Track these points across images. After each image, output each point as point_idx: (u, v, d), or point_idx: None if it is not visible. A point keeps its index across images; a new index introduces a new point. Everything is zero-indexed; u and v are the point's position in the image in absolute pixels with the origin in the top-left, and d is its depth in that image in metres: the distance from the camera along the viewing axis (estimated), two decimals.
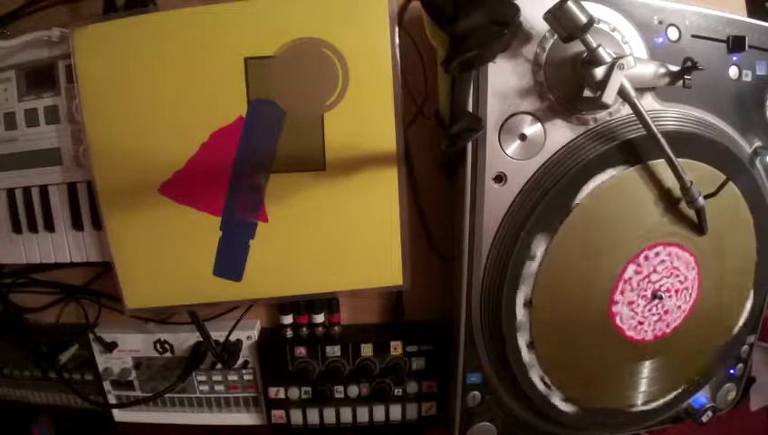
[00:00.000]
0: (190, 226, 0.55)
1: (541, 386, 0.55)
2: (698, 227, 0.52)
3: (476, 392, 0.56)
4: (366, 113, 0.53)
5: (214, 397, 0.65)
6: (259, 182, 0.54)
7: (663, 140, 0.45)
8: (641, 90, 0.48)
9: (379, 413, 0.63)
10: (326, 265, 0.57)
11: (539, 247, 0.49)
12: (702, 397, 0.63)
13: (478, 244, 0.50)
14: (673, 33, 0.49)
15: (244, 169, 0.54)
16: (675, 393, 0.61)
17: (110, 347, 0.62)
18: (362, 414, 0.63)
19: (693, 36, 0.50)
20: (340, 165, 0.53)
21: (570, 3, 0.39)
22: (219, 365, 0.60)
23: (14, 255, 0.59)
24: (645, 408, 0.60)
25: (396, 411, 0.63)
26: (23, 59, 0.55)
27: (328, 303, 0.60)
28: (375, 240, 0.56)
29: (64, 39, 0.52)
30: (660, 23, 0.49)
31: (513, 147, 0.48)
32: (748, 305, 0.59)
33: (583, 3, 0.40)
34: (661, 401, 0.60)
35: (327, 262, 0.56)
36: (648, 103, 0.50)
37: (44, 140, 0.56)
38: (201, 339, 0.60)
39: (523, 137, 0.48)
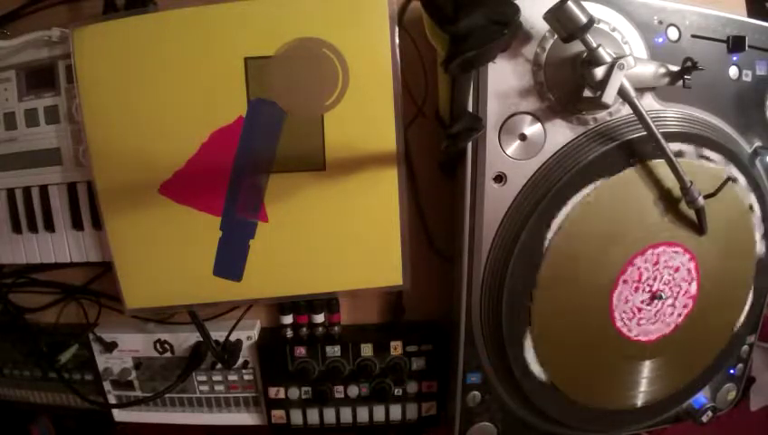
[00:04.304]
0: (190, 226, 0.55)
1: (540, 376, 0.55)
2: (698, 227, 0.52)
3: (476, 392, 0.56)
4: (366, 113, 0.53)
5: (214, 397, 0.64)
6: (259, 182, 0.54)
7: (663, 140, 0.45)
8: (641, 90, 0.48)
9: (379, 413, 0.63)
10: (326, 265, 0.57)
11: (539, 248, 0.49)
12: (702, 397, 0.63)
13: (478, 244, 0.50)
14: (673, 33, 0.49)
15: (244, 169, 0.54)
16: (675, 393, 0.61)
17: (110, 347, 0.61)
18: (362, 414, 0.63)
19: (693, 36, 0.50)
20: (340, 165, 0.53)
21: (570, 3, 0.39)
22: (219, 365, 0.60)
23: (14, 255, 0.59)
24: (645, 408, 0.60)
25: (396, 411, 0.63)
26: (23, 59, 0.55)
27: (328, 303, 0.60)
28: (375, 240, 0.56)
29: (64, 39, 0.52)
30: (660, 23, 0.49)
31: (513, 147, 0.48)
32: (748, 305, 0.59)
33: (583, 3, 0.40)
34: (661, 401, 0.60)
35: (327, 262, 0.56)
36: (648, 103, 0.50)
37: (44, 140, 0.56)
38: (201, 339, 0.60)
39: (523, 137, 0.48)
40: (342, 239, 0.56)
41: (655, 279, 0.54)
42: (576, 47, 0.44)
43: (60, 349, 0.61)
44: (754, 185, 0.54)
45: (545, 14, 0.41)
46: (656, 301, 0.54)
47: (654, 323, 0.55)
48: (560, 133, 0.49)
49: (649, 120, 0.45)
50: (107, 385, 0.64)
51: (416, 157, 0.57)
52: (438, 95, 0.52)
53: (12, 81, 0.55)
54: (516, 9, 0.36)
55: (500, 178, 0.48)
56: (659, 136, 0.45)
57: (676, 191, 0.50)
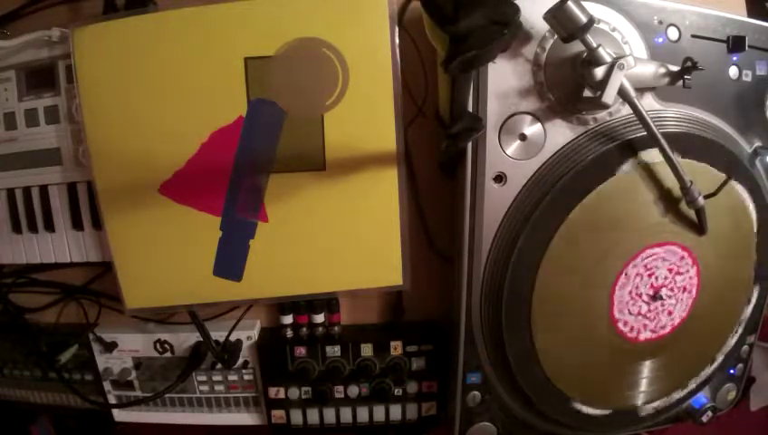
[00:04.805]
0: (190, 226, 0.55)
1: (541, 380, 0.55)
2: (698, 227, 0.52)
3: (476, 392, 0.56)
4: (366, 113, 0.53)
5: (214, 397, 0.64)
6: (259, 182, 0.54)
7: (663, 141, 0.45)
8: (641, 90, 0.48)
9: (379, 413, 0.63)
10: (326, 265, 0.57)
11: (539, 248, 0.49)
12: (702, 397, 0.63)
13: (478, 244, 0.50)
14: (673, 33, 0.49)
15: (244, 169, 0.54)
16: (675, 393, 0.61)
17: (110, 347, 0.61)
18: (362, 414, 0.63)
19: (693, 36, 0.50)
20: (340, 165, 0.53)
21: (570, 3, 0.39)
22: (219, 365, 0.60)
23: (14, 255, 0.59)
24: (645, 407, 0.60)
25: (396, 411, 0.63)
26: (23, 59, 0.55)
27: (328, 303, 0.60)
28: (375, 240, 0.56)
29: (64, 39, 0.52)
30: (660, 23, 0.49)
31: (513, 147, 0.48)
32: (748, 305, 0.59)
33: (583, 3, 0.40)
34: (661, 401, 0.60)
35: (327, 262, 0.56)
36: (648, 103, 0.50)
37: (44, 140, 0.56)
38: (201, 339, 0.60)
39: (523, 137, 0.48)
40: (342, 239, 0.56)
41: (655, 279, 0.54)
42: (576, 47, 0.44)
43: (60, 349, 0.61)
44: (754, 185, 0.54)
45: (545, 14, 0.41)
46: (656, 301, 0.54)
47: (654, 322, 0.55)
48: (560, 133, 0.49)
49: (649, 120, 0.45)
50: (107, 385, 0.64)
51: (416, 157, 0.57)
52: (438, 95, 0.52)
53: (12, 81, 0.55)
54: (516, 9, 0.36)
55: (500, 178, 0.48)
56: (659, 136, 0.45)
57: (676, 191, 0.50)
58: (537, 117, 0.48)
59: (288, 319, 0.60)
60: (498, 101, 0.47)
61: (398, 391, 0.62)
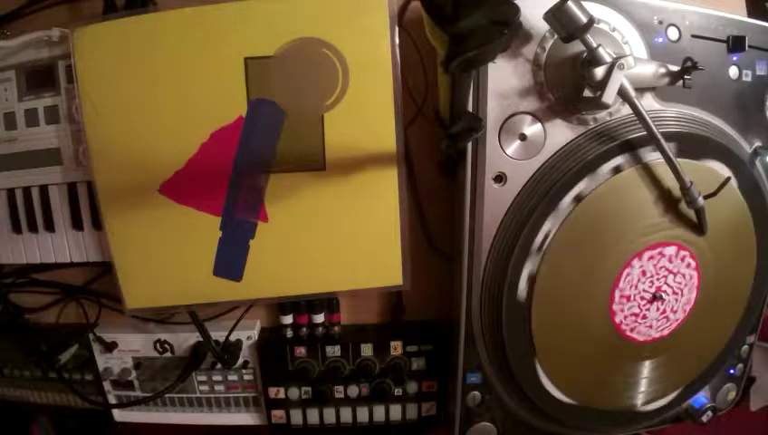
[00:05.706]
0: (190, 226, 0.55)
1: (541, 380, 0.55)
2: (698, 227, 0.52)
3: (476, 392, 0.56)
4: (366, 113, 0.53)
5: (214, 397, 0.65)
6: (259, 182, 0.54)
7: (663, 140, 0.45)
8: (641, 90, 0.48)
9: (379, 413, 0.63)
10: (326, 265, 0.57)
11: (539, 248, 0.49)
12: (702, 397, 0.63)
13: (478, 244, 0.50)
14: (673, 33, 0.49)
15: (244, 169, 0.54)
16: (675, 393, 0.61)
17: (110, 347, 0.62)
18: (362, 414, 0.63)
19: (693, 36, 0.50)
20: (340, 165, 0.53)
21: (570, 3, 0.39)
22: (219, 365, 0.60)
23: (14, 255, 0.59)
24: (645, 408, 0.60)
25: (396, 411, 0.63)
26: (23, 59, 0.55)
27: (328, 303, 0.60)
28: (375, 240, 0.56)
29: (64, 39, 0.52)
30: (660, 23, 0.49)
31: (513, 147, 0.48)
32: (748, 305, 0.59)
33: (583, 3, 0.40)
34: (661, 401, 0.60)
35: (327, 262, 0.56)
36: (648, 103, 0.50)
37: (44, 140, 0.56)
38: (201, 339, 0.60)
39: (523, 137, 0.48)
40: (342, 239, 0.56)
41: (655, 279, 0.54)
42: (576, 47, 0.44)
43: (60, 349, 0.61)
44: (754, 185, 0.54)
45: (545, 14, 0.41)
46: (656, 301, 0.54)
47: (654, 322, 0.55)
48: (560, 133, 0.49)
49: (649, 121, 0.45)
50: (107, 385, 0.64)
51: (416, 157, 0.57)
52: (438, 95, 0.52)
53: (12, 81, 0.55)
54: (516, 9, 0.36)
55: (500, 178, 0.48)
56: (659, 136, 0.45)
57: (676, 191, 0.50)
58: (537, 117, 0.48)
59: (288, 319, 0.60)
60: (498, 101, 0.47)
61: (398, 391, 0.62)
